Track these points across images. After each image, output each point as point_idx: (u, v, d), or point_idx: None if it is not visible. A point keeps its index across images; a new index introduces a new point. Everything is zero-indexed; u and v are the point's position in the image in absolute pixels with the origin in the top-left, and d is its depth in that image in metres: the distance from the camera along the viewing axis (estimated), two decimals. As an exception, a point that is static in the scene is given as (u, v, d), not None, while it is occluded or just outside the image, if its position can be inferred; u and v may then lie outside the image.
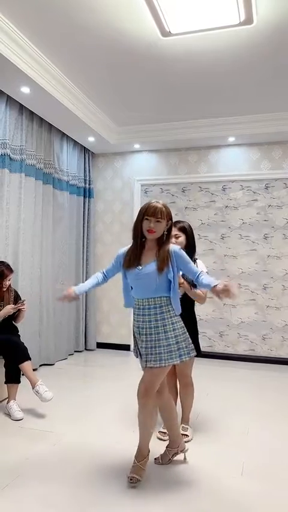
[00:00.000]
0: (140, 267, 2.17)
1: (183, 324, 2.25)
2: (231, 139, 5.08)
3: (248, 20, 2.93)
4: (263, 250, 5.15)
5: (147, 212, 2.13)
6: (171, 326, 2.17)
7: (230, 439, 2.81)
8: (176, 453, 2.41)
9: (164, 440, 2.74)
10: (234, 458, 2.51)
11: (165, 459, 2.40)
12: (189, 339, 2.27)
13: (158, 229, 2.13)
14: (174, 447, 2.40)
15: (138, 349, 2.27)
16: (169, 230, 2.19)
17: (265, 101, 4.35)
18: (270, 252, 5.13)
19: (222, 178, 5.30)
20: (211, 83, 3.94)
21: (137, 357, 2.29)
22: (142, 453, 2.23)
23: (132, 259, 2.21)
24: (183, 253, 2.21)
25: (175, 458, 2.42)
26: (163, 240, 2.18)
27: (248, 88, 4.04)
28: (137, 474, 2.18)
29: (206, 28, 3.02)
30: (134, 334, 2.32)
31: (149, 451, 2.26)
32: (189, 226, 2.84)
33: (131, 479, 2.16)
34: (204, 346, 5.21)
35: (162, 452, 2.43)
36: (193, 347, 2.29)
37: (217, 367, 4.80)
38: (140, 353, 2.25)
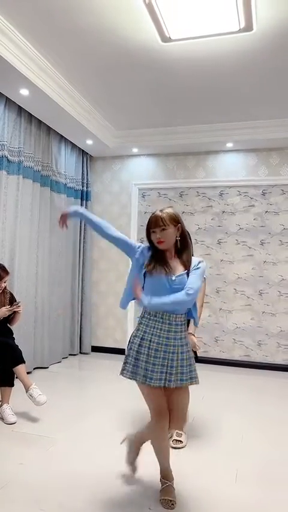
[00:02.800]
0: (174, 277, 1.99)
1: None
2: (229, 145, 5.10)
3: (248, 27, 2.95)
4: (259, 256, 5.16)
5: (150, 225, 2.04)
6: (189, 346, 2.10)
7: (224, 445, 2.80)
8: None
9: (179, 448, 2.71)
10: (228, 464, 2.50)
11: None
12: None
13: (166, 237, 2.00)
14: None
15: (144, 368, 2.00)
16: (182, 235, 2.07)
17: (264, 107, 4.38)
18: (267, 258, 5.14)
19: (219, 183, 5.31)
20: (210, 88, 3.96)
21: (136, 378, 2.02)
22: (169, 472, 2.13)
23: (159, 264, 2.01)
24: (202, 267, 2.07)
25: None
26: (180, 247, 2.06)
27: (247, 94, 4.06)
28: (173, 496, 2.06)
29: (206, 34, 3.04)
30: (138, 350, 2.02)
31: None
32: (188, 233, 2.83)
33: (171, 503, 2.02)
34: (199, 351, 5.20)
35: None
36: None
37: (212, 373, 4.78)
38: (148, 371, 1.98)
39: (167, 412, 2.03)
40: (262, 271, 5.15)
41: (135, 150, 5.47)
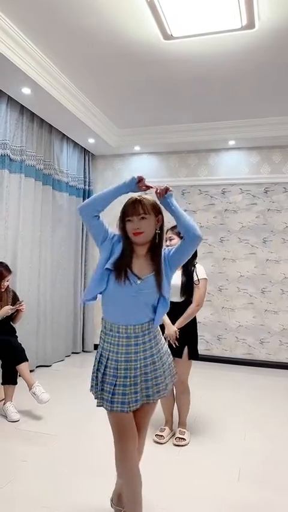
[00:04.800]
0: (139, 281, 1.63)
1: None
2: (232, 142, 5.08)
3: (250, 25, 2.94)
4: (261, 254, 5.16)
5: (126, 212, 1.68)
6: (162, 352, 1.78)
7: (227, 443, 2.80)
8: None
9: (181, 445, 2.71)
10: (231, 463, 2.51)
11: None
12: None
13: (145, 228, 1.65)
14: None
15: (100, 388, 1.71)
16: (161, 228, 1.71)
17: (266, 105, 4.36)
18: (269, 256, 5.13)
19: (222, 181, 5.30)
20: (212, 86, 3.94)
21: (100, 398, 1.72)
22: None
23: (124, 266, 1.65)
24: (170, 250, 1.75)
25: None
26: (155, 243, 1.70)
27: (249, 92, 4.05)
28: None
29: (208, 32, 3.02)
30: (98, 368, 1.73)
31: None
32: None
33: None
34: (201, 349, 5.15)
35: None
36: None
37: (215, 371, 4.79)
38: (111, 393, 1.66)
39: (134, 432, 1.69)
40: (265, 269, 5.14)
41: (137, 149, 5.47)
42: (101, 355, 1.73)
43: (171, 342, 2.64)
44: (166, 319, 2.69)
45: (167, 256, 1.73)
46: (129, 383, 1.67)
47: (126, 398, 1.65)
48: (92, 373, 1.79)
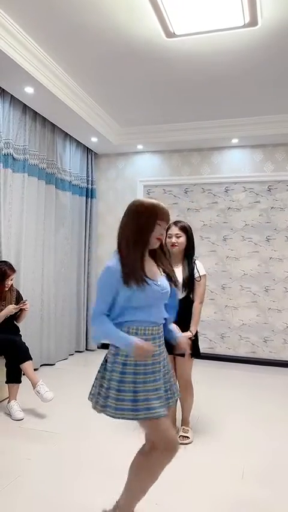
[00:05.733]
0: (158, 282, 1.67)
1: None
2: (235, 140, 5.07)
3: (253, 22, 2.92)
4: (265, 252, 5.15)
5: (160, 216, 1.65)
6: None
7: (231, 442, 2.80)
8: None
9: (185, 444, 2.70)
10: (235, 460, 2.51)
11: None
12: None
13: (164, 236, 1.73)
14: None
15: (144, 399, 1.62)
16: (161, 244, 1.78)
17: (269, 103, 4.35)
18: (273, 254, 5.12)
19: (225, 179, 5.29)
20: (215, 84, 3.94)
21: (128, 415, 1.64)
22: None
23: (139, 271, 1.62)
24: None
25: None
26: (158, 248, 1.74)
27: (252, 90, 4.04)
28: None
29: (211, 30, 3.02)
30: (129, 379, 1.64)
31: None
32: (189, 226, 2.84)
33: None
34: (205, 347, 5.20)
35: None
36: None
37: (218, 369, 4.79)
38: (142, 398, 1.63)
39: (178, 442, 1.70)
40: (268, 267, 5.13)
41: (139, 147, 5.47)
42: (124, 364, 1.63)
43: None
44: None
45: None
46: (160, 384, 1.69)
47: (162, 402, 1.67)
48: (119, 391, 1.63)
